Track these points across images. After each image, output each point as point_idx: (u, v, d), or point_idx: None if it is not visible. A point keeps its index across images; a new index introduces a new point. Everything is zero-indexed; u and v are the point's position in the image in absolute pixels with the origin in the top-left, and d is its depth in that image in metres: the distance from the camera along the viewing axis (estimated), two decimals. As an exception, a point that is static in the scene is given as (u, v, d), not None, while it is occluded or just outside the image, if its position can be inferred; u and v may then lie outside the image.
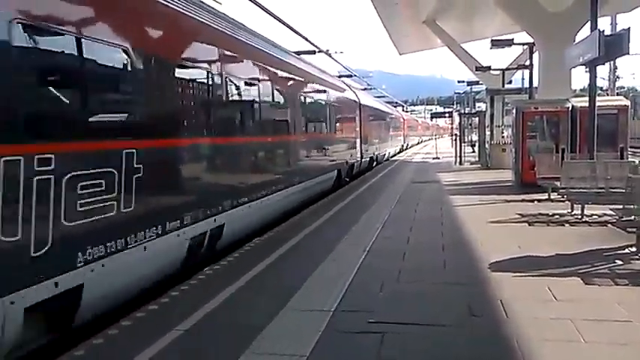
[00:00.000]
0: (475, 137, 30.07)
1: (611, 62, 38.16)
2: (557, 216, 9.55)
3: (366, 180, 17.90)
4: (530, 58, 19.73)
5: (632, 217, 6.60)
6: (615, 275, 5.79)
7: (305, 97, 12.88)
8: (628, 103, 13.88)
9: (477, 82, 35.96)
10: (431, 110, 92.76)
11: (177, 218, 6.14)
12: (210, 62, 7.42)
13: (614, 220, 8.78)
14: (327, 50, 23.14)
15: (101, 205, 4.80)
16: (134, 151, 5.26)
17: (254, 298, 5.40)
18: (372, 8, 27.76)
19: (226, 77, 7.81)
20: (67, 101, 4.78)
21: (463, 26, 32.71)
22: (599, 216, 9.19)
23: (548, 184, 11.41)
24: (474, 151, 29.69)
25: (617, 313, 4.64)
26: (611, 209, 7.58)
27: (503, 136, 24.98)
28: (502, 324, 4.49)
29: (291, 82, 11.91)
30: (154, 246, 5.63)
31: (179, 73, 6.55)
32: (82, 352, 4.13)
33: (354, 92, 21.47)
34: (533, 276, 5.84)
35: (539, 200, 11.51)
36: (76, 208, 4.48)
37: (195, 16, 7.20)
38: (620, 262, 6.26)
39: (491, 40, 19.56)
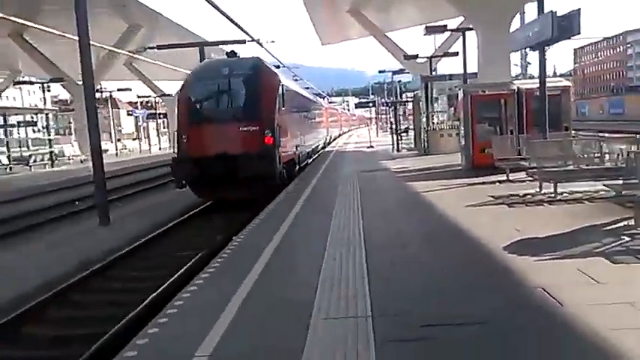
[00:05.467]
0: (404, 125, 30.52)
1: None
2: (529, 196, 9.53)
3: (315, 170, 17.36)
4: (464, 44, 20.08)
5: (633, 193, 6.55)
6: (635, 252, 5.66)
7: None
8: (570, 84, 14.37)
9: (402, 71, 36.57)
10: (347, 101, 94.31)
11: None
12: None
13: (588, 197, 8.94)
14: (259, 39, 22.27)
15: None
16: None
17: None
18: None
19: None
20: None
21: (386, 15, 33.07)
22: (570, 193, 9.29)
23: (506, 166, 11.53)
24: (400, 139, 30.22)
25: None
26: (605, 185, 7.57)
27: (433, 122, 25.44)
28: (561, 315, 4.11)
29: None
30: None
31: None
32: None
33: None
34: (554, 259, 5.57)
35: (499, 182, 11.54)
36: None
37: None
38: (627, 239, 6.18)
39: (426, 27, 19.64)
